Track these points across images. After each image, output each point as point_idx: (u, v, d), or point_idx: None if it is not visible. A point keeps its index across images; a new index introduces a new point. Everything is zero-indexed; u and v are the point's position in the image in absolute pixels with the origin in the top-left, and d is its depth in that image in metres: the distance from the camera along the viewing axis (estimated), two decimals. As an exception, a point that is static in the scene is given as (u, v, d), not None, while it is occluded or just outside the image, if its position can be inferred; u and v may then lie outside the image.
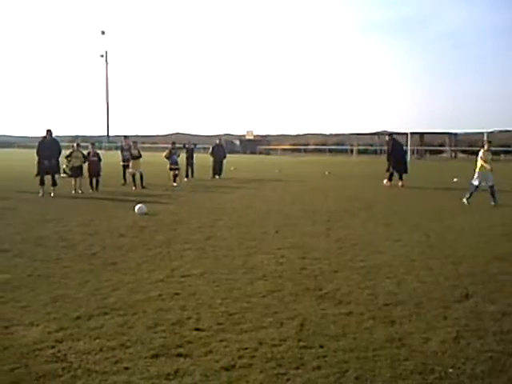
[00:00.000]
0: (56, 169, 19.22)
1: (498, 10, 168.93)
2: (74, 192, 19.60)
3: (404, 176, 23.51)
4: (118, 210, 15.11)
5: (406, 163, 24.50)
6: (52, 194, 18.53)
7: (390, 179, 23.60)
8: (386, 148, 25.26)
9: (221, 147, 29.43)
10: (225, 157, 29.08)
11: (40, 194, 18.31)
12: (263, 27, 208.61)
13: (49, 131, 19.09)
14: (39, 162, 18.88)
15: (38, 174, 19.03)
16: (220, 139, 31.08)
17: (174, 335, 5.41)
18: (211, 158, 28.43)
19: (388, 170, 23.88)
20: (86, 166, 20.89)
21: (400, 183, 23.24)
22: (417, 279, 7.59)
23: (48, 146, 18.94)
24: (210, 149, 29.10)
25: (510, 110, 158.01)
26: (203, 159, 28.05)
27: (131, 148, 23.21)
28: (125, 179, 23.20)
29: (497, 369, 4.65)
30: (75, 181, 19.95)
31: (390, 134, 25.42)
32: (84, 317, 5.95)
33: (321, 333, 5.48)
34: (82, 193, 19.72)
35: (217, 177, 27.75)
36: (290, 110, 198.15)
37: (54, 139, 19.49)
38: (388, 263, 8.59)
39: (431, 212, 14.95)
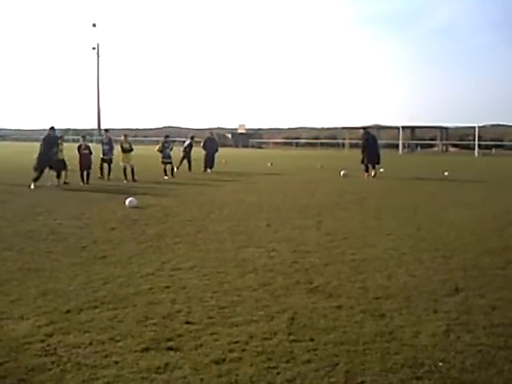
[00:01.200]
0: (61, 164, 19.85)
1: (489, 5, 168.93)
2: (56, 184, 19.59)
3: (394, 170, 23.90)
4: (108, 203, 15.07)
5: (379, 155, 25.58)
6: (58, 183, 19.48)
7: (366, 171, 24.88)
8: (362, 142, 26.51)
9: (213, 140, 29.43)
10: (217, 150, 29.09)
11: (32, 187, 18.26)
12: (255, 19, 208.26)
13: (52, 128, 19.75)
14: (41, 157, 19.05)
15: (36, 169, 19.05)
16: (212, 132, 31.13)
17: (164, 329, 5.39)
18: (203, 152, 28.43)
19: (363, 162, 25.33)
20: (77, 158, 20.93)
21: (373, 172, 24.73)
22: (407, 273, 7.61)
23: (53, 142, 19.50)
24: (202, 142, 29.10)
25: (502, 104, 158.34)
26: (195, 153, 28.01)
27: (111, 141, 23.17)
28: (101, 173, 22.74)
29: (486, 362, 4.66)
30: (59, 173, 19.97)
31: (365, 128, 27.07)
32: (74, 310, 5.92)
33: (311, 326, 5.48)
34: (66, 184, 19.84)
35: (208, 170, 27.73)
36: (282, 104, 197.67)
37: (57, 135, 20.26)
38: (379, 256, 8.60)
39: (422, 205, 14.99)
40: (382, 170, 27.03)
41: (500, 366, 4.57)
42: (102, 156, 22.89)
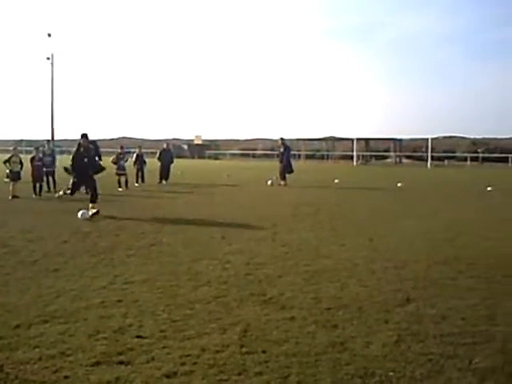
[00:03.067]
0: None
1: (447, 20, 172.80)
2: (10, 197, 19.18)
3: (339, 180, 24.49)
4: (61, 215, 14.84)
5: (291, 165, 28.00)
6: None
7: (283, 178, 27.10)
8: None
9: (168, 152, 29.33)
10: (172, 161, 29.00)
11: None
12: (214, 28, 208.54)
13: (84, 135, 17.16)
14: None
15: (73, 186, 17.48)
16: (168, 144, 31.05)
17: (115, 343, 5.33)
18: (158, 163, 28.30)
19: (280, 171, 27.64)
20: (29, 170, 20.58)
21: (282, 182, 26.93)
22: (359, 283, 7.68)
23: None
24: (158, 153, 28.98)
25: (454, 116, 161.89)
26: (150, 164, 27.86)
27: (54, 153, 22.79)
28: (48, 186, 21.87)
29: (436, 371, 4.73)
30: (13, 186, 19.57)
31: (282, 139, 28.84)
32: (24, 325, 5.81)
33: (263, 338, 5.48)
34: (17, 197, 19.37)
35: (164, 182, 27.59)
36: (239, 115, 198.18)
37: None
38: (332, 267, 8.67)
39: (376, 216, 15.18)
40: (336, 180, 27.34)
41: (449, 375, 4.66)
42: (45, 169, 21.75)
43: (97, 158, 18.51)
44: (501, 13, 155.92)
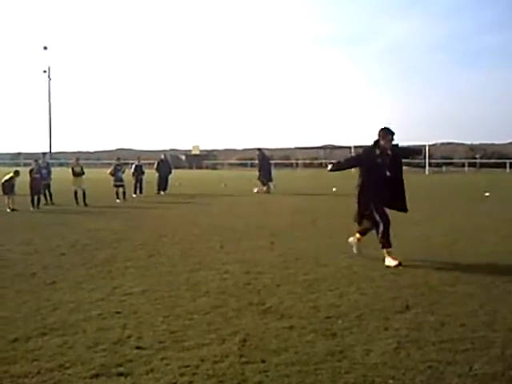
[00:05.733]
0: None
1: (434, 27, 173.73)
2: (8, 210, 19.22)
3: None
4: (59, 228, 14.83)
5: (270, 173, 29.57)
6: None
7: (263, 184, 28.62)
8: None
9: (166, 163, 29.36)
10: (170, 172, 29.01)
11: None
12: (210, 37, 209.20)
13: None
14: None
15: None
16: (165, 155, 31.07)
17: (114, 354, 5.31)
18: (156, 174, 28.31)
19: (259, 179, 29.12)
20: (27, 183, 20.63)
21: (265, 189, 28.33)
22: (359, 291, 7.67)
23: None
24: (155, 164, 29.00)
25: (451, 122, 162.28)
26: (148, 175, 27.87)
27: (49, 165, 22.88)
28: (45, 198, 22.17)
29: (435, 377, 4.72)
30: (8, 198, 19.61)
31: (259, 149, 30.50)
32: (22, 338, 5.78)
33: (263, 348, 5.46)
34: (15, 210, 19.39)
35: (162, 192, 27.59)
36: (236, 125, 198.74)
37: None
38: (331, 275, 8.66)
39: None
40: (334, 188, 27.39)
41: (449, 381, 4.64)
42: (44, 182, 22.08)
43: None
44: None
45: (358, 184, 9.94)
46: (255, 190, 28.61)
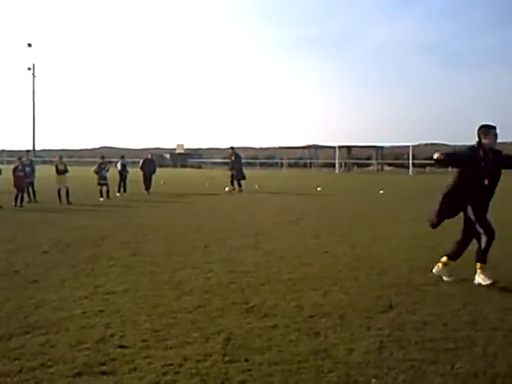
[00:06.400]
0: None
1: (420, 30, 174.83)
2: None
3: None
4: (42, 226, 14.74)
5: (242, 172, 29.70)
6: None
7: (232, 184, 28.89)
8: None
9: (152, 162, 29.21)
10: (154, 171, 28.87)
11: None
12: (192, 36, 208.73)
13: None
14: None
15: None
16: (151, 154, 30.94)
17: (97, 353, 5.29)
18: (141, 173, 28.18)
19: (231, 178, 29.28)
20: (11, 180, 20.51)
21: (238, 189, 28.51)
22: (342, 290, 7.69)
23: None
24: (141, 163, 28.84)
25: (435, 123, 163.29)
26: (132, 174, 27.74)
27: (33, 163, 22.75)
28: (29, 196, 22.12)
29: (418, 376, 4.75)
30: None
31: (232, 148, 30.43)
32: (4, 337, 5.74)
33: (246, 347, 5.46)
34: (1, 207, 19.31)
35: (145, 192, 27.47)
36: (221, 123, 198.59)
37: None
38: (315, 275, 8.67)
39: (358, 223, 15.21)
40: (319, 188, 27.42)
41: (431, 380, 4.67)
42: (27, 180, 22.03)
43: None
44: None
45: (451, 184, 8.77)
46: (227, 189, 28.72)
